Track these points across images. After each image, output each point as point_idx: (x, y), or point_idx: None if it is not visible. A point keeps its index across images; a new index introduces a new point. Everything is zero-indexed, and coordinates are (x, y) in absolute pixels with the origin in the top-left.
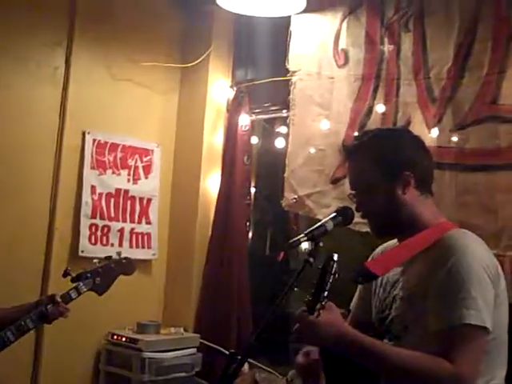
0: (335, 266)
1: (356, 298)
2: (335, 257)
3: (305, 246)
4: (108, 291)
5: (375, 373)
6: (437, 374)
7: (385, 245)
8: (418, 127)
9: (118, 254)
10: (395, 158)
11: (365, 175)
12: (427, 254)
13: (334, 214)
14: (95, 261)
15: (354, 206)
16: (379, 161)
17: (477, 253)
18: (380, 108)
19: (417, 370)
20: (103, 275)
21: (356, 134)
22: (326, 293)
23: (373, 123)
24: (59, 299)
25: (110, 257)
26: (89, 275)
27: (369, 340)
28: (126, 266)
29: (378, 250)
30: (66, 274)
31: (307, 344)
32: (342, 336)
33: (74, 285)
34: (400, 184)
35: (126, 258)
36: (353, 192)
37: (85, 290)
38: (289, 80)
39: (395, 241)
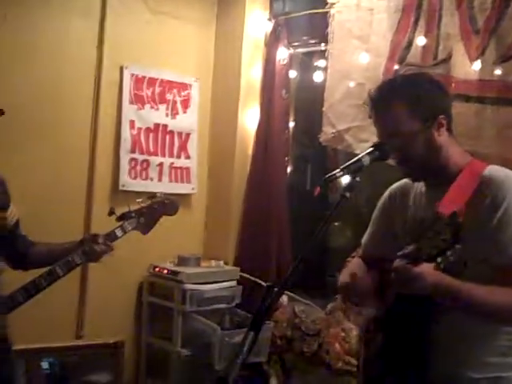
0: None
1: (373, 233)
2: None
3: (345, 180)
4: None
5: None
6: None
7: (401, 185)
8: (460, 60)
9: (161, 194)
10: (431, 102)
11: (404, 122)
12: (476, 193)
13: (371, 148)
14: (138, 200)
15: None
16: (417, 107)
17: None
18: (420, 40)
19: (507, 305)
20: (147, 215)
21: (396, 67)
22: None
23: (413, 56)
24: (102, 239)
25: (153, 196)
26: (133, 214)
27: (459, 283)
28: (169, 207)
29: (396, 190)
30: (111, 213)
31: (408, 292)
32: (440, 283)
33: (119, 223)
34: (436, 127)
35: (168, 199)
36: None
37: (130, 228)
38: (327, 12)
39: (407, 180)
